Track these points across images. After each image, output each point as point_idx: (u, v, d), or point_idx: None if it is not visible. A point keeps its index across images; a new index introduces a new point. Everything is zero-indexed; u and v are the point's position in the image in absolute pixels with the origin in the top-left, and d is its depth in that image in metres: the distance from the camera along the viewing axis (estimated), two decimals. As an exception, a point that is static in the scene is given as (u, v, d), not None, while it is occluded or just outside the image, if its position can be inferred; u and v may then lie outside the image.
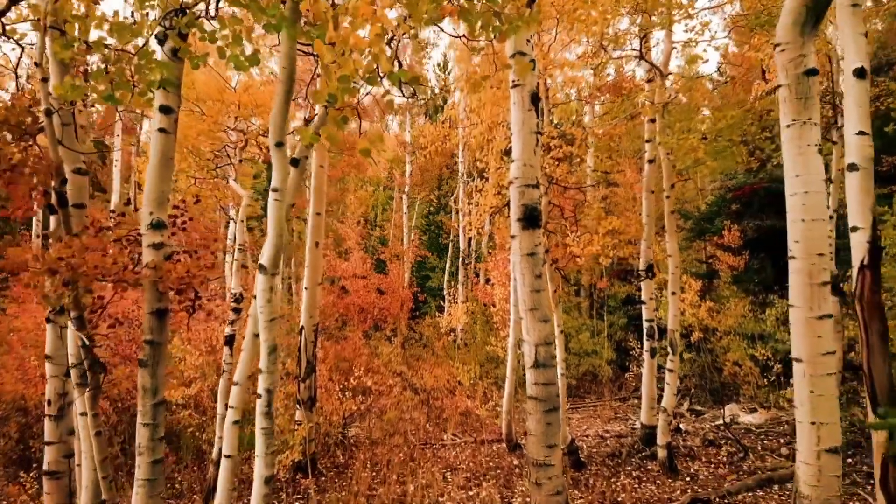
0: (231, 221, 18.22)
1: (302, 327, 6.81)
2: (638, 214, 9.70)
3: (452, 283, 16.97)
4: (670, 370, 6.64)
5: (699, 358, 10.87)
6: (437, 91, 28.94)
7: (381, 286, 13.09)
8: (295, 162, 2.98)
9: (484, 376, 11.80)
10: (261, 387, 2.76)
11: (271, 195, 2.69)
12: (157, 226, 2.98)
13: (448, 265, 18.56)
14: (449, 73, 28.03)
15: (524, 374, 9.38)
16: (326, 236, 14.45)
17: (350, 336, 11.44)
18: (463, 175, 17.30)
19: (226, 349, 5.81)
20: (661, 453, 6.56)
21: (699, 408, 9.89)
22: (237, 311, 5.86)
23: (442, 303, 17.83)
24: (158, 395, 3.02)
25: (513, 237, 4.22)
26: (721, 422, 8.28)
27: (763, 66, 7.28)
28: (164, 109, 3.02)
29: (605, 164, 13.91)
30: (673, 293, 6.59)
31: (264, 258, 2.66)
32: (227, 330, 5.82)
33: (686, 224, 12.65)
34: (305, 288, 6.88)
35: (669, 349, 6.61)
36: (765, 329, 9.77)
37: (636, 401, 11.45)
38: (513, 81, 4.21)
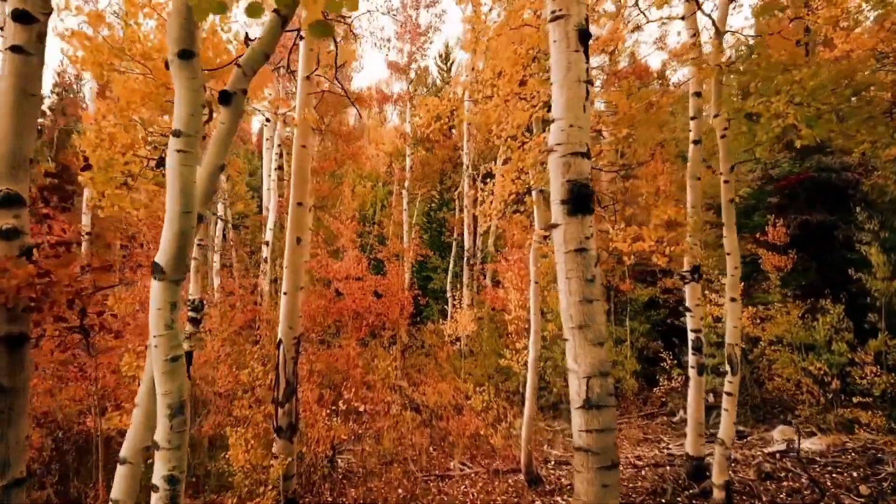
0: (219, 219, 17.19)
1: (280, 341, 5.74)
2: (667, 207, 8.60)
3: (457, 285, 15.90)
4: (728, 393, 5.54)
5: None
6: (437, 83, 27.87)
7: (378, 288, 11.98)
8: (226, 97, 1.89)
9: (494, 390, 10.72)
10: (157, 473, 1.66)
11: (171, 143, 1.62)
12: (6, 202, 1.90)
13: (451, 265, 17.48)
14: (451, 65, 27.02)
15: (541, 389, 8.13)
16: (317, 233, 13.35)
17: (344, 345, 10.36)
18: (467, 167, 16.21)
19: (181, 370, 4.72)
20: (718, 494, 5.47)
21: (742, 428, 8.79)
22: (195, 321, 4.77)
23: (445, 306, 16.74)
24: (11, 472, 1.93)
25: (552, 227, 3.13)
26: (776, 448, 7.19)
27: (827, 32, 6.19)
28: (21, 17, 1.93)
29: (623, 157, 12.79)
30: (732, 299, 5.49)
31: (160, 254, 1.59)
32: (185, 345, 4.73)
33: (719, 219, 11.54)
34: (284, 293, 5.81)
35: (728, 367, 5.52)
36: (816, 339, 8.65)
37: (665, 418, 10.37)
38: (553, 13, 3.13)
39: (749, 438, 8.35)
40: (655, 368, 11.92)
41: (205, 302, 4.83)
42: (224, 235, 17.08)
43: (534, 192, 6.54)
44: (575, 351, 3.03)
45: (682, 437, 9.03)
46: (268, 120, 14.59)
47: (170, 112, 4.62)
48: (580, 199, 3.03)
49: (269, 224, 12.73)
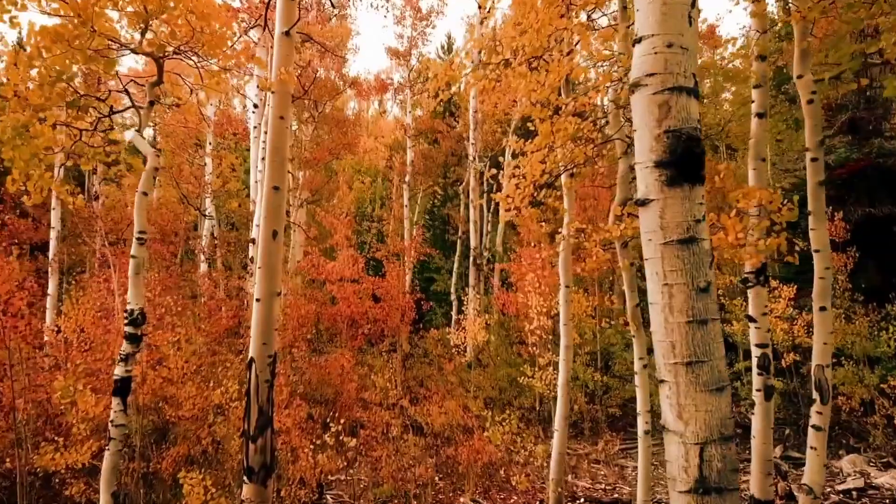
0: (204, 217, 16.15)
1: (251, 360, 4.67)
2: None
3: (465, 287, 14.85)
4: (817, 427, 4.47)
5: (787, 384, 8.69)
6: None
7: (376, 291, 10.94)
8: None
9: (507, 407, 9.66)
10: None
11: None
12: None
13: (456, 266, 16.42)
14: (454, 56, 25.99)
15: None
16: (308, 229, 12.31)
17: (337, 355, 9.32)
18: (474, 159, 15.15)
19: (115, 402, 3.67)
20: (804, 556, 4.40)
21: (796, 454, 7.71)
22: (134, 339, 3.72)
23: (449, 310, 15.69)
24: None
25: (640, 205, 2.08)
26: (851, 485, 6.12)
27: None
28: None
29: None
30: (822, 308, 4.43)
31: None
32: (118, 371, 3.69)
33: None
34: (257, 300, 4.73)
35: (817, 395, 4.46)
36: (883, 352, 7.58)
37: (702, 439, 9.28)
38: None
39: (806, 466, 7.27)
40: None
41: (145, 314, 3.78)
42: (212, 234, 16.07)
43: (563, 177, 5.48)
44: (678, 400, 1.99)
45: (726, 464, 7.96)
46: (255, 106, 13.58)
47: (98, 62, 3.56)
48: (688, 160, 1.99)
49: (256, 220, 11.69)
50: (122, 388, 3.67)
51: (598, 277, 12.04)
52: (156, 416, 6.61)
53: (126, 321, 3.69)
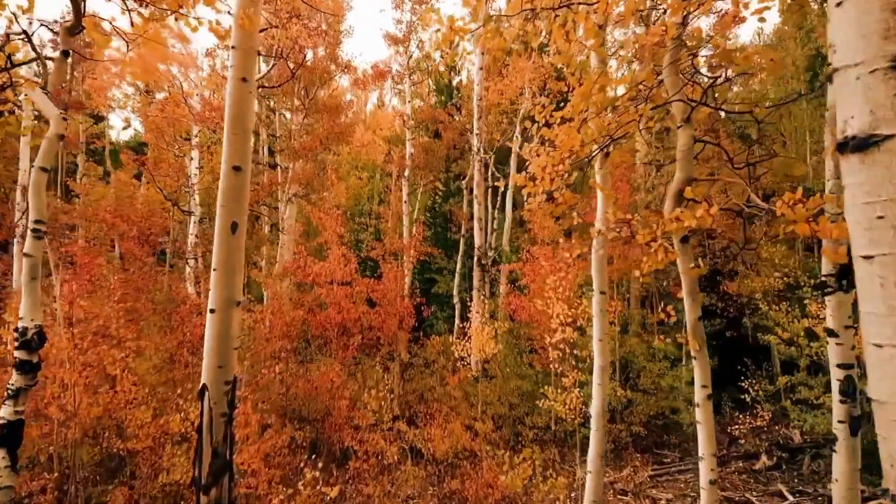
0: (189, 216, 15.17)
1: (203, 387, 3.71)
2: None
3: (468, 289, 13.88)
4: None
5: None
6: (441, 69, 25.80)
7: (372, 295, 9.98)
8: None
9: (518, 425, 8.70)
10: None
11: None
12: None
13: (459, 266, 15.48)
14: (454, 46, 24.93)
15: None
16: (294, 225, 11.34)
17: (326, 367, 8.35)
18: (478, 150, 14.19)
19: None
20: None
21: (860, 488, 6.73)
22: (27, 368, 2.76)
23: (452, 314, 14.73)
24: None
25: (854, 149, 1.05)
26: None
27: None
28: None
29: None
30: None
31: None
32: (4, 412, 2.72)
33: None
34: (211, 310, 3.78)
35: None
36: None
37: (741, 464, 8.33)
38: None
39: None
40: (724, 393, 10.02)
41: (44, 332, 2.81)
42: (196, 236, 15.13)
43: (597, 164, 4.50)
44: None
45: (775, 497, 7.01)
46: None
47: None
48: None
49: (239, 216, 10.72)
50: (10, 435, 2.70)
51: (616, 279, 11.09)
52: (107, 444, 5.65)
53: (16, 343, 2.72)
